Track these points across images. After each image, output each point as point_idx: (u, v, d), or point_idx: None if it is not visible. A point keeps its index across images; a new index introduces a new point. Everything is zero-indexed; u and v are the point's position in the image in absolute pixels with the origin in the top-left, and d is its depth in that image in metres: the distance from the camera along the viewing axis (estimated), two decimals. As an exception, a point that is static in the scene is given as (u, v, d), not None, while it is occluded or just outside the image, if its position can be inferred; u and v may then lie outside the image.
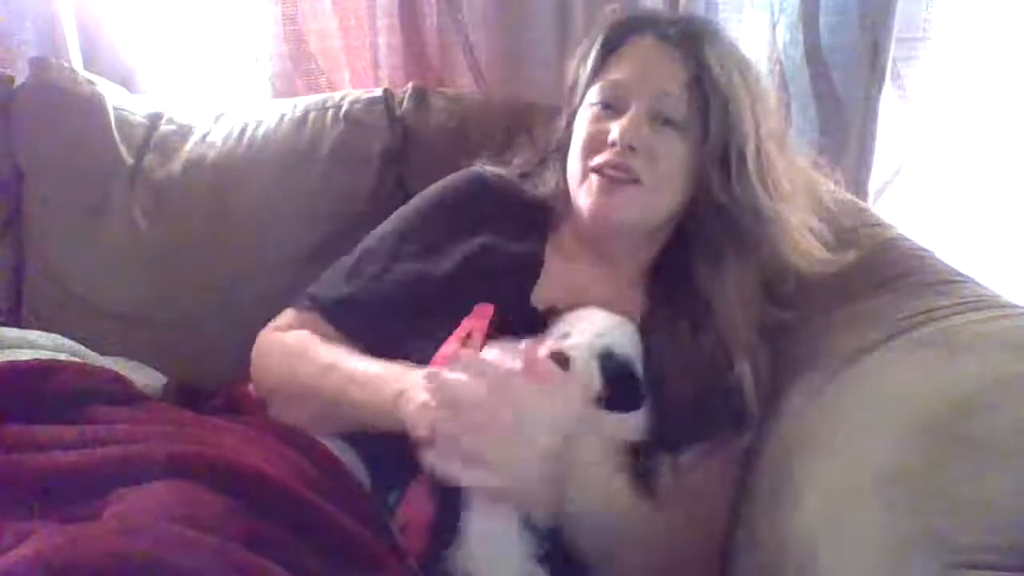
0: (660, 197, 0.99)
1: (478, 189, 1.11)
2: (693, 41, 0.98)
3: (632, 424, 0.91)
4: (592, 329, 0.93)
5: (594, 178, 0.98)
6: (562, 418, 0.83)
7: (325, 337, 1.02)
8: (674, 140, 0.97)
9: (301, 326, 1.05)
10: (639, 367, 0.92)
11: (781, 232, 0.98)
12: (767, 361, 0.97)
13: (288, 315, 1.07)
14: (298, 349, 1.00)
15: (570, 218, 1.07)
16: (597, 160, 0.97)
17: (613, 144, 0.96)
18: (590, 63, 1.02)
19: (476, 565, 0.82)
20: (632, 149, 0.95)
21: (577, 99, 1.04)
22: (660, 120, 0.97)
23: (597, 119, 1.00)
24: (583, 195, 0.99)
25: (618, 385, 0.90)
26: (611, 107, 0.99)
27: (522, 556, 0.83)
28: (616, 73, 1.00)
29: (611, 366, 0.90)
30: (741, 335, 0.96)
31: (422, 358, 0.93)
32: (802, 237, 0.99)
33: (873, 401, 0.84)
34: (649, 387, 0.94)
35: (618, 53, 1.01)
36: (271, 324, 1.08)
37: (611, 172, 0.96)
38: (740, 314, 0.97)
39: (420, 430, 0.81)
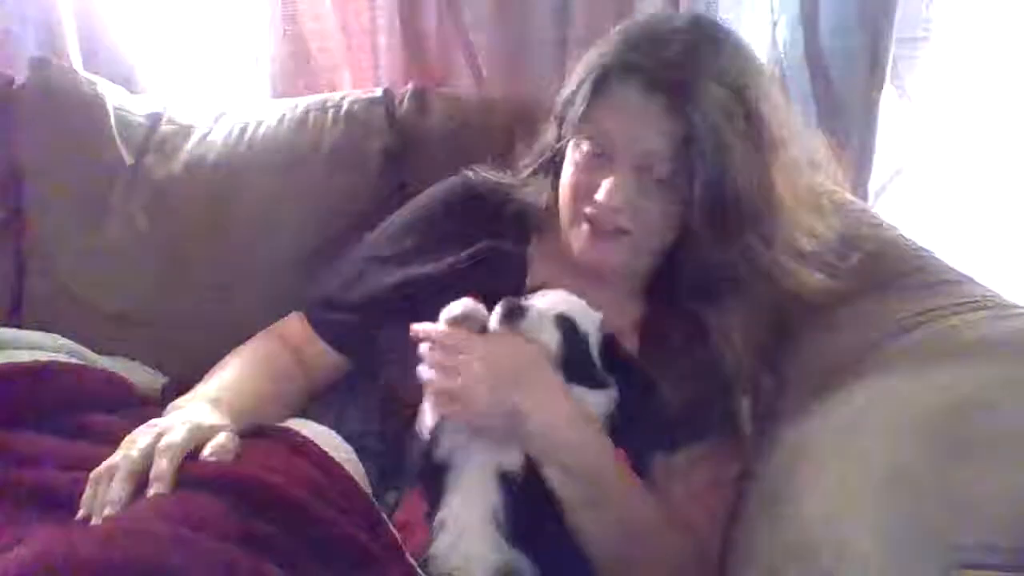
0: (648, 243, 1.00)
1: (466, 198, 1.11)
2: (684, 91, 0.91)
3: (593, 403, 0.91)
4: (556, 300, 0.94)
5: (584, 225, 0.98)
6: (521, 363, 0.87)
7: (305, 340, 1.08)
8: (661, 193, 0.95)
9: (295, 328, 1.10)
10: (595, 350, 0.92)
11: (780, 274, 0.97)
12: (767, 376, 0.98)
13: (291, 317, 1.12)
14: (227, 358, 1.05)
15: (561, 231, 1.06)
16: (587, 212, 0.97)
17: (600, 202, 0.95)
18: (579, 107, 0.96)
19: (454, 556, 0.83)
20: (618, 210, 0.95)
21: (567, 133, 1.01)
22: (647, 175, 0.94)
23: (585, 165, 0.98)
24: (573, 236, 1.00)
25: (574, 352, 0.90)
26: (600, 155, 0.96)
27: (496, 542, 0.83)
28: (604, 121, 0.95)
29: (568, 332, 0.90)
30: (741, 355, 0.96)
31: (409, 361, 0.94)
32: (803, 274, 0.97)
33: (873, 401, 0.84)
34: (638, 389, 0.94)
35: (607, 95, 0.95)
36: (273, 325, 1.12)
37: (601, 225, 0.97)
38: (739, 337, 0.97)
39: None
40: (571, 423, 0.87)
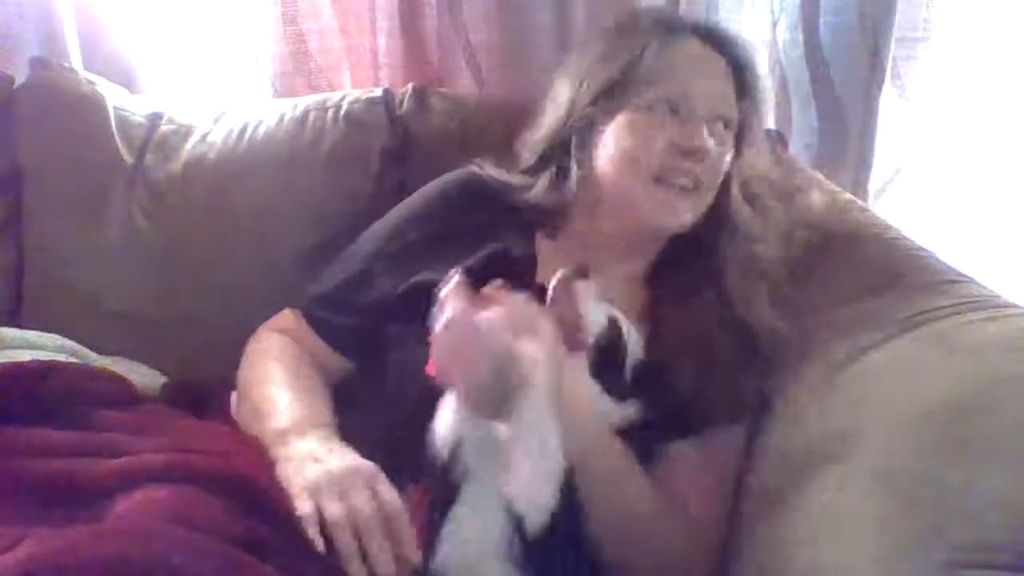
0: (710, 200, 1.02)
1: (474, 190, 1.10)
2: (735, 52, 1.02)
3: (616, 412, 0.90)
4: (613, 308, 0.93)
5: (662, 186, 0.97)
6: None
7: (302, 339, 1.07)
8: (728, 147, 1.01)
9: (290, 325, 1.09)
10: (628, 366, 0.91)
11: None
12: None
13: (283, 314, 1.11)
14: (252, 356, 1.05)
15: (575, 220, 1.07)
16: (666, 166, 0.97)
17: (694, 152, 0.96)
18: (647, 62, 0.99)
19: (458, 569, 0.82)
20: (707, 156, 0.97)
21: (616, 102, 1.00)
22: (721, 124, 1.00)
23: (658, 123, 0.98)
24: (645, 201, 0.98)
25: (610, 354, 0.89)
26: (672, 110, 0.98)
27: (504, 561, 0.82)
28: (678, 76, 0.99)
29: (613, 332, 0.89)
30: (758, 309, 0.99)
31: (415, 360, 0.94)
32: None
33: (873, 401, 0.84)
34: (650, 378, 0.94)
35: (671, 56, 0.99)
36: (267, 322, 1.10)
37: (683, 182, 0.97)
38: (755, 286, 1.00)
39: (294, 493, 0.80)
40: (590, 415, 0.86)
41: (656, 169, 0.97)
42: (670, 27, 1.03)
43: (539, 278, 1.04)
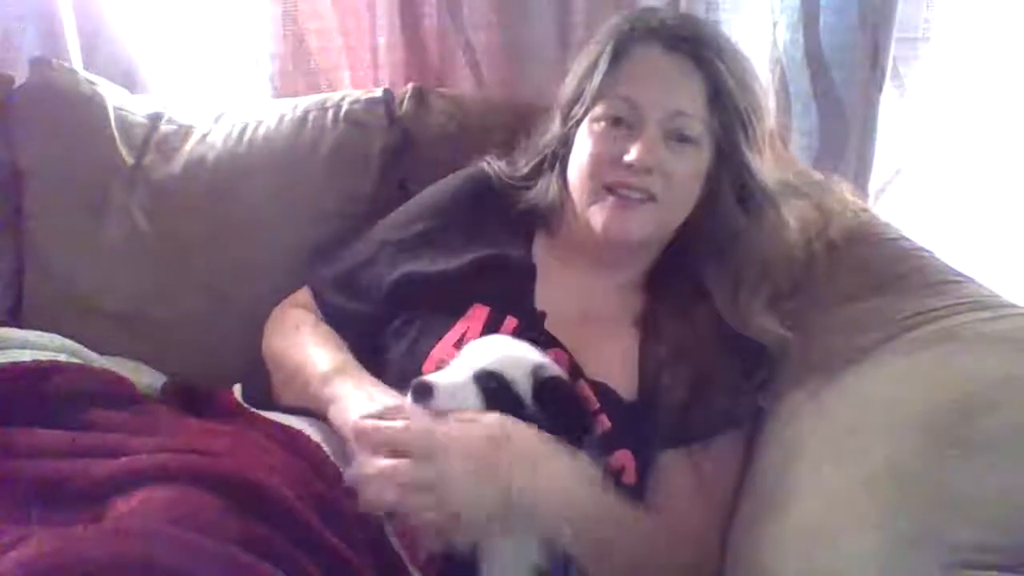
0: (674, 212, 1.00)
1: (484, 189, 1.11)
2: (706, 54, 0.96)
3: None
4: (482, 353, 0.88)
5: (610, 197, 0.97)
6: (468, 440, 0.81)
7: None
8: (688, 157, 0.97)
9: (307, 300, 1.12)
10: (526, 394, 0.86)
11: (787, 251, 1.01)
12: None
13: (301, 291, 1.15)
14: (282, 322, 1.09)
15: (568, 225, 1.07)
16: (611, 180, 0.96)
17: (630, 166, 0.94)
18: (598, 76, 0.98)
19: None
20: (649, 171, 0.94)
21: (581, 111, 1.01)
22: (675, 138, 0.96)
23: (607, 136, 0.97)
24: (596, 212, 0.98)
25: (503, 405, 0.85)
26: (622, 123, 0.96)
27: None
28: (628, 88, 0.96)
29: (493, 389, 0.85)
30: (751, 317, 0.97)
31: (417, 352, 0.95)
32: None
33: (873, 401, 0.84)
34: (648, 388, 0.93)
35: (626, 66, 0.98)
36: (285, 300, 1.14)
37: (627, 193, 0.96)
38: (746, 299, 0.98)
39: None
40: (565, 481, 0.84)
41: (605, 182, 0.97)
42: (632, 35, 0.99)
43: (539, 281, 1.05)
